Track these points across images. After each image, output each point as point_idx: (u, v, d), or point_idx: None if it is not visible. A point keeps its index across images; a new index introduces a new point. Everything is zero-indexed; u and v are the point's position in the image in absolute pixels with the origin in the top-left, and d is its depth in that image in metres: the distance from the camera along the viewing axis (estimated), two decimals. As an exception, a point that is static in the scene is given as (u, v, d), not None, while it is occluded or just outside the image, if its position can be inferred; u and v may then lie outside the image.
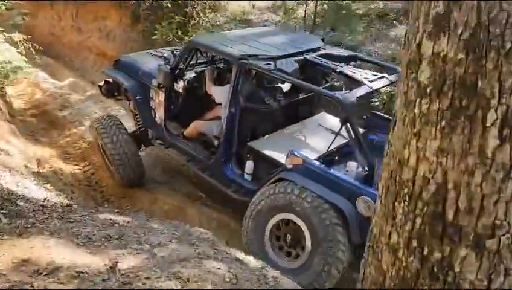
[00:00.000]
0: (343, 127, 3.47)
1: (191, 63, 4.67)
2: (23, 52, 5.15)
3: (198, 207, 5.22)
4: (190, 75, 4.76)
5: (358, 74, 3.72)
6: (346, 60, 4.20)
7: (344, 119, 3.44)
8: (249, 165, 4.11)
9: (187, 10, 7.96)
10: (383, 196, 1.27)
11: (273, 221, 3.69)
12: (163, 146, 5.12)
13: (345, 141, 3.76)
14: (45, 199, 4.16)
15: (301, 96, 4.61)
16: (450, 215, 1.07)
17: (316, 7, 6.64)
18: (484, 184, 1.03)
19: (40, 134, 6.85)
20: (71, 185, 5.62)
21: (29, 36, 6.32)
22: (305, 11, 6.90)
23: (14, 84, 7.34)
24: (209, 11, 8.11)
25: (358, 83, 3.59)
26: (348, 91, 3.59)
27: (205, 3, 8.14)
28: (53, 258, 2.39)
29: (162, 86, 4.71)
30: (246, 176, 4.16)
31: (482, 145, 1.02)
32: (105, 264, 2.45)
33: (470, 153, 1.04)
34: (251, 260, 3.27)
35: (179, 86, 4.66)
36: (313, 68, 4.09)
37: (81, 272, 2.32)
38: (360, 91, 3.54)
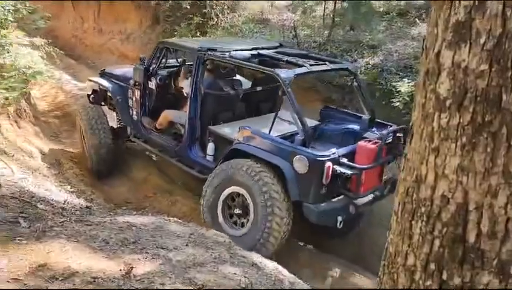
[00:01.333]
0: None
1: (162, 63, 5.19)
2: (45, 56, 5.25)
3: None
4: (162, 73, 5.23)
5: (302, 61, 4.28)
6: (298, 56, 4.66)
7: (282, 91, 3.99)
8: (210, 146, 4.57)
9: (206, 11, 7.96)
10: (399, 213, 1.20)
11: (221, 199, 4.13)
12: (140, 141, 5.64)
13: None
14: (65, 201, 4.22)
15: (262, 91, 5.10)
16: (472, 238, 1.00)
17: (335, 6, 6.52)
18: (509, 206, 0.95)
19: (63, 135, 6.98)
20: (91, 186, 5.70)
21: (51, 40, 6.46)
22: (324, 10, 6.80)
23: (38, 86, 7.50)
24: (228, 11, 8.09)
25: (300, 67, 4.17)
26: (286, 70, 4.07)
27: (223, 4, 8.12)
28: (70, 263, 2.40)
29: (137, 83, 5.22)
30: (208, 157, 4.60)
31: (506, 165, 0.94)
32: (121, 270, 2.45)
33: (493, 173, 0.96)
34: (267, 265, 3.24)
35: (152, 83, 5.18)
36: (268, 62, 4.63)
37: (97, 278, 2.32)
38: (299, 70, 4.10)
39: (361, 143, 3.91)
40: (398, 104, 5.27)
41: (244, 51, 4.57)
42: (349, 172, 3.68)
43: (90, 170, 5.88)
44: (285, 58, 4.40)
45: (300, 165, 3.70)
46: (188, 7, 8.04)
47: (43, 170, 5.24)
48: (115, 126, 5.95)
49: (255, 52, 4.62)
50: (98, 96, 5.94)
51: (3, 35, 4.14)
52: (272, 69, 4.07)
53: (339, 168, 3.68)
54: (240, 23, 7.69)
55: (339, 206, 3.88)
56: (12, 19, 4.79)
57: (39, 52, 5.12)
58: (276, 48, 5.01)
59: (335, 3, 6.48)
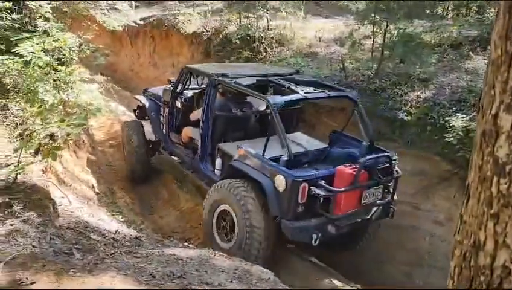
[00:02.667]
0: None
1: (187, 85, 5.76)
2: (103, 92, 5.59)
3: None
4: (187, 94, 5.80)
5: (301, 88, 4.59)
6: (306, 83, 5.00)
7: (271, 116, 4.33)
8: (218, 162, 4.95)
9: (254, 45, 8.17)
10: (455, 278, 1.14)
11: (214, 217, 4.59)
12: (167, 152, 6.26)
13: (304, 150, 4.77)
14: (116, 231, 4.37)
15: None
16: (538, 315, 0.92)
17: (384, 39, 6.46)
18: None
19: (116, 164, 7.29)
20: (141, 216, 5.87)
21: (110, 74, 6.91)
22: (372, 43, 6.75)
23: (95, 118, 7.94)
24: (276, 45, 8.25)
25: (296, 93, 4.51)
26: (279, 96, 4.49)
27: (272, 38, 8.31)
28: (118, 298, 2.47)
29: (166, 102, 5.87)
30: (216, 171, 5.00)
31: None
32: (166, 307, 2.47)
33: (560, 246, 0.89)
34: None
35: (178, 102, 5.77)
36: (276, 87, 5.01)
37: (142, 315, 2.36)
38: (290, 97, 4.48)
39: (339, 167, 4.14)
40: (451, 139, 5.05)
41: (252, 77, 4.98)
42: (323, 193, 3.95)
43: (126, 176, 6.69)
44: (288, 84, 4.72)
45: (279, 183, 4.02)
46: (238, 42, 8.30)
47: (97, 199, 5.49)
48: (153, 139, 6.48)
49: (264, 78, 5.03)
50: (141, 112, 6.70)
51: (68, 73, 4.47)
52: (264, 96, 4.53)
53: (314, 189, 3.95)
54: (288, 56, 7.80)
55: (314, 225, 4.07)
56: (76, 58, 5.17)
57: (99, 88, 5.47)
58: (290, 74, 5.37)
59: (384, 36, 6.42)
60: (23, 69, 4.44)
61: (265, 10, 8.36)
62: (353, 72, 6.86)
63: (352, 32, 6.94)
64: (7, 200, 3.38)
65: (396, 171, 4.48)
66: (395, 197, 4.55)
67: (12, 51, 4.56)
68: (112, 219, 4.91)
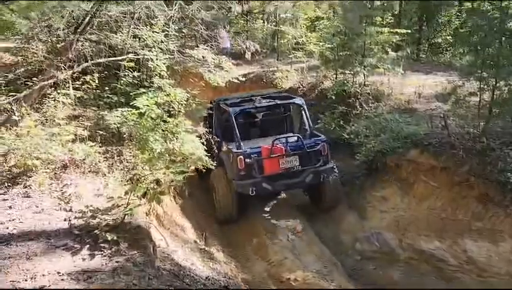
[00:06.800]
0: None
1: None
2: (204, 143, 6.00)
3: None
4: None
5: (261, 101, 7.21)
6: (274, 97, 7.50)
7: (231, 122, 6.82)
8: None
9: (350, 101, 8.17)
10: None
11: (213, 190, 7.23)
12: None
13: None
14: (207, 277, 4.49)
15: (268, 120, 7.99)
16: None
17: (492, 96, 6.01)
18: None
19: (209, 212, 7.55)
20: (230, 264, 5.93)
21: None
22: (479, 100, 6.28)
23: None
24: (372, 101, 8.15)
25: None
26: (238, 107, 7.02)
27: (368, 94, 8.25)
28: None
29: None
30: None
31: None
32: None
33: None
34: None
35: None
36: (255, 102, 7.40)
37: None
38: (245, 107, 7.13)
39: (263, 145, 6.60)
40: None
41: (239, 99, 7.40)
42: (250, 161, 6.36)
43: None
44: (256, 99, 7.23)
45: (231, 157, 6.56)
46: (333, 97, 8.39)
47: (191, 244, 5.72)
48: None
49: (247, 98, 7.45)
50: None
51: (175, 124, 4.90)
52: (228, 107, 6.96)
53: (247, 160, 6.35)
54: (385, 112, 7.63)
55: (251, 182, 6.41)
56: (183, 111, 5.67)
57: (200, 139, 5.87)
58: (270, 93, 7.84)
59: (493, 93, 5.98)
60: (137, 120, 4.97)
61: (362, 66, 8.38)
62: (456, 130, 6.44)
63: (456, 88, 6.59)
64: (115, 238, 3.72)
65: (311, 146, 6.66)
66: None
67: (130, 104, 5.15)
68: (203, 264, 5.05)
